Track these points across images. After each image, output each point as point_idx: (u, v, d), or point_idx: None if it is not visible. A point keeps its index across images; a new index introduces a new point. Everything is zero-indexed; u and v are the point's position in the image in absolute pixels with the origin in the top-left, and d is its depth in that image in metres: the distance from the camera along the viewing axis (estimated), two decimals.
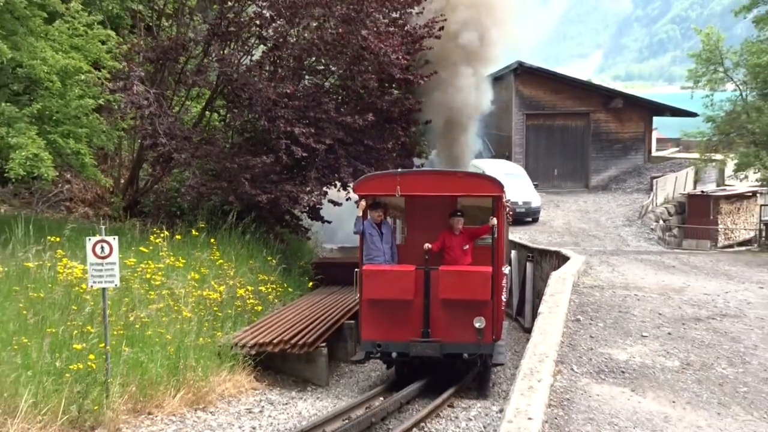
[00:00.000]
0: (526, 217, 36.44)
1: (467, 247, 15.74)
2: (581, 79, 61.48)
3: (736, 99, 34.92)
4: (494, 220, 15.01)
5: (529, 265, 26.09)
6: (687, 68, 37.92)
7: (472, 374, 16.07)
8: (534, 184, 39.57)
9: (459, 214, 15.79)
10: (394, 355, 14.97)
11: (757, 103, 33.33)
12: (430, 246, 14.91)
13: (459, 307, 14.40)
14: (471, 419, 13.14)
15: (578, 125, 48.59)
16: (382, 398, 14.25)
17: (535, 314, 15.61)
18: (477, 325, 14.21)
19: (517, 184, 36.15)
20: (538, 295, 21.28)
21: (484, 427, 12.35)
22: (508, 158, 44.84)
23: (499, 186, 15.35)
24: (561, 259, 22.24)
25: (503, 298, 16.52)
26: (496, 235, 15.18)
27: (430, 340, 14.51)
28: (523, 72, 47.65)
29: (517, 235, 29.77)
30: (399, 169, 18.03)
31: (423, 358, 14.95)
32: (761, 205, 40.40)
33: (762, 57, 32.53)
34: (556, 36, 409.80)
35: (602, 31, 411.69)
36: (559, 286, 16.02)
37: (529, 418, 7.94)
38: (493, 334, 14.72)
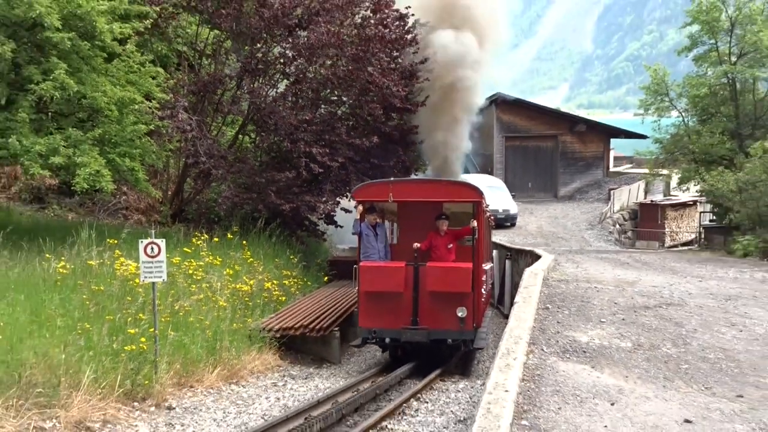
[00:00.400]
0: (506, 222, 36.45)
1: (451, 246, 15.36)
2: (551, 107, 61.62)
3: (679, 124, 35.05)
4: (474, 222, 14.70)
5: (507, 263, 26.05)
6: (639, 98, 37.99)
7: (456, 357, 15.68)
8: (512, 195, 39.62)
9: (444, 217, 15.49)
10: (387, 340, 14.78)
11: (697, 127, 33.50)
12: (419, 245, 14.56)
13: (443, 299, 14.11)
14: (459, 391, 13.08)
15: (548, 146, 48.65)
16: (385, 374, 14.14)
17: (512, 303, 15.57)
18: (459, 314, 13.95)
19: (498, 195, 36.31)
20: (515, 287, 21.19)
21: (470, 398, 12.28)
22: (491, 173, 44.90)
23: (479, 193, 15.13)
24: (534, 257, 22.20)
25: (483, 290, 16.09)
26: (476, 236, 14.84)
27: (418, 327, 14.25)
28: (502, 102, 47.79)
29: (498, 237, 29.71)
30: (392, 178, 17.44)
31: (412, 343, 14.62)
32: (700, 212, 40.45)
33: (700, 89, 32.71)
34: (531, 71, 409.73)
35: (568, 67, 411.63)
36: (531, 279, 15.99)
37: (506, 390, 7.94)
38: (473, 322, 14.41)
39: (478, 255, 15.06)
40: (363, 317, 14.71)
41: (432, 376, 13.83)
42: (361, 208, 15.30)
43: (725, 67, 31.88)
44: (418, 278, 14.27)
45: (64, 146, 16.60)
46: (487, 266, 17.94)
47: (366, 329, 14.66)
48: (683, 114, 35.06)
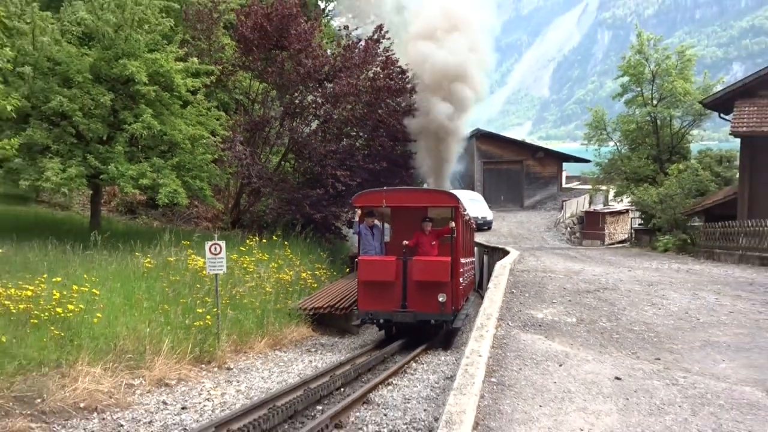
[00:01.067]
0: (484, 226, 36.30)
1: (434, 243, 14.46)
2: (517, 139, 61.75)
3: (614, 152, 34.95)
4: (452, 223, 13.99)
5: (485, 257, 25.95)
6: (584, 132, 37.90)
7: (441, 334, 14.89)
8: (489, 206, 39.55)
9: (428, 219, 14.62)
10: (381, 321, 14.02)
11: (627, 154, 33.42)
12: (407, 242, 13.87)
13: (427, 286, 13.32)
14: (447, 356, 13.06)
15: (516, 168, 48.48)
16: (389, 344, 14.01)
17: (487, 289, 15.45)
18: (440, 299, 13.23)
19: (478, 206, 36.31)
20: (490, 276, 21.13)
21: (456, 360, 12.22)
22: (473, 189, 44.79)
23: (456, 199, 14.36)
24: (504, 253, 22.09)
25: (462, 280, 15.24)
26: (455, 235, 14.12)
27: (407, 310, 13.48)
28: (480, 135, 47.78)
29: (478, 237, 29.55)
30: (385, 187, 16.66)
31: (403, 323, 14.03)
32: (631, 218, 40.25)
33: (630, 125, 32.75)
34: (502, 112, 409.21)
35: (531, 108, 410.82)
36: (500, 270, 15.84)
37: (480, 355, 7.92)
38: (452, 306, 13.67)
39: (456, 250, 14.27)
40: (362, 301, 13.87)
41: (425, 345, 13.69)
42: (359, 212, 14.47)
43: (648, 109, 31.85)
44: (407, 270, 13.47)
45: (150, 171, 16.67)
46: (467, 260, 17.15)
47: (364, 312, 13.84)
48: (617, 144, 35.02)
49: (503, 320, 10.54)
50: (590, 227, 39.84)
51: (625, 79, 32.95)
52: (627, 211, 41.36)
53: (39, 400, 8.06)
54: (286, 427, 8.27)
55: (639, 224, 36.55)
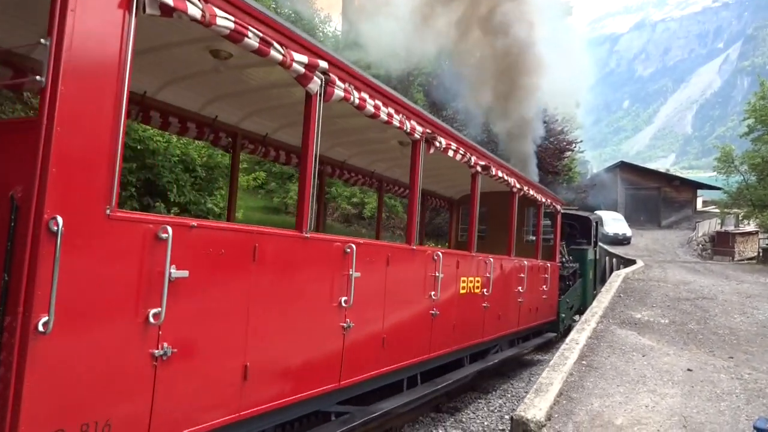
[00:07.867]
0: (624, 241, 34.54)
1: None
2: (657, 169, 57.52)
3: (741, 181, 31.61)
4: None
5: (621, 266, 24.58)
6: (715, 165, 34.74)
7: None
8: (628, 224, 37.45)
9: None
10: None
11: (753, 184, 30.13)
12: None
13: None
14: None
15: (654, 194, 45.36)
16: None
17: None
18: None
19: (620, 224, 35.21)
20: None
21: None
22: (616, 211, 42.49)
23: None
24: (633, 263, 20.99)
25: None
26: None
27: None
28: (624, 166, 45.57)
29: (616, 250, 28.10)
30: None
31: None
32: (759, 238, 35.94)
33: (755, 159, 29.49)
34: (649, 146, 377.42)
35: (675, 143, 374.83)
36: (614, 278, 15.13)
37: (577, 343, 8.01)
38: None
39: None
40: None
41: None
42: None
43: None
44: None
45: (359, 193, 18.09)
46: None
47: None
48: (744, 175, 31.61)
49: (605, 318, 10.26)
50: (720, 245, 36.08)
51: (751, 120, 29.73)
52: (756, 232, 36.93)
53: None
54: None
55: (766, 244, 32.65)
